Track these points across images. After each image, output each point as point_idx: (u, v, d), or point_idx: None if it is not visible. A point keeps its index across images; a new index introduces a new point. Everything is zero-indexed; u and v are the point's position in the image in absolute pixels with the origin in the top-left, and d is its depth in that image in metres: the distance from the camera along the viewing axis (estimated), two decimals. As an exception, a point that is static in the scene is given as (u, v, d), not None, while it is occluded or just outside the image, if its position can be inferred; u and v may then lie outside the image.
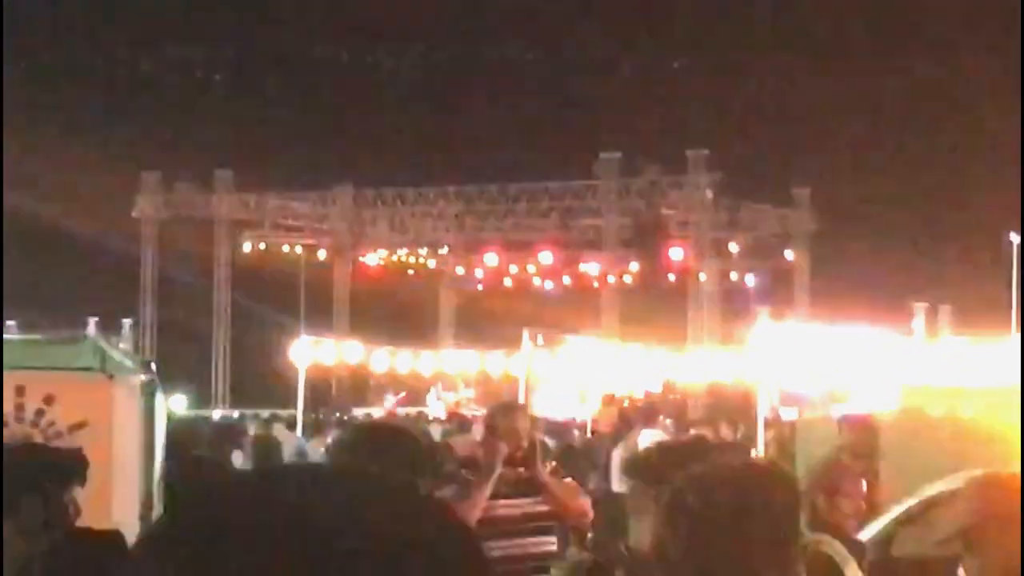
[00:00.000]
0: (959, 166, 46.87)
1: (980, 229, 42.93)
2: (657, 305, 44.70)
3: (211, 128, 48.99)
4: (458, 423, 25.32)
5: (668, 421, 24.82)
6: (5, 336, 8.62)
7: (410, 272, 52.06)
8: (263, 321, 43.65)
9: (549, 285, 50.10)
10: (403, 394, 42.12)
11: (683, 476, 3.96)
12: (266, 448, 15.60)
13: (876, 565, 8.39)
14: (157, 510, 8.18)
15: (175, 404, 44.14)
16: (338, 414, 36.44)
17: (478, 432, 21.62)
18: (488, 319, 45.35)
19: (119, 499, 7.89)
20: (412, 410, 39.82)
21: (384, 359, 37.40)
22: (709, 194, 43.25)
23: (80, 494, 5.75)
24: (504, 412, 9.04)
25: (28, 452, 6.37)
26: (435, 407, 37.93)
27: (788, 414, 26.83)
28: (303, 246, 48.58)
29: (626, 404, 35.62)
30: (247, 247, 47.76)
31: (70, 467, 5.88)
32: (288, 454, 20.74)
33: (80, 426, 7.92)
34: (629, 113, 49.39)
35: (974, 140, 46.22)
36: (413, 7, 51.94)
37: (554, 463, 9.34)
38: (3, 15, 41.75)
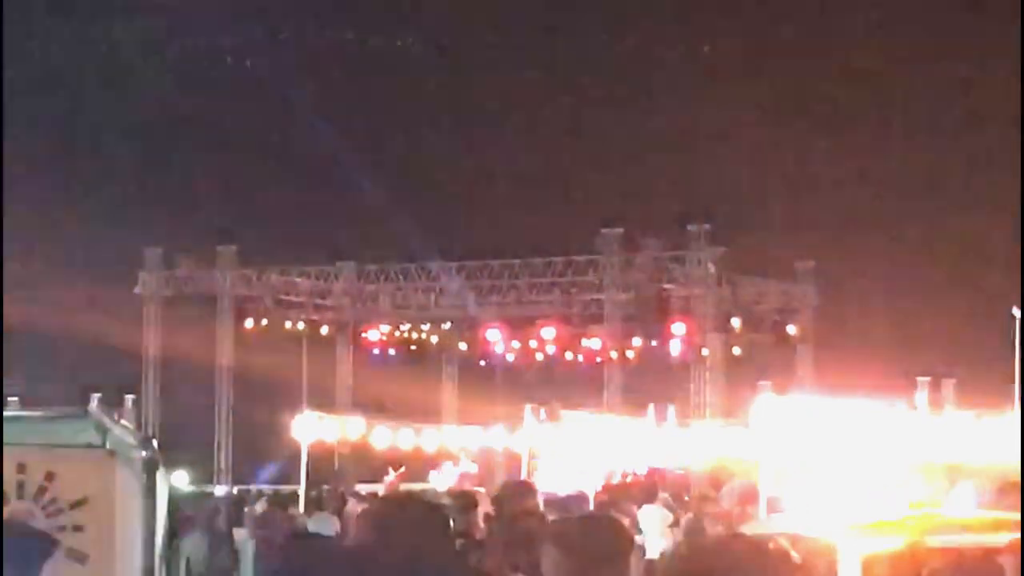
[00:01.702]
0: (963, 240, 46.94)
1: (984, 303, 42.92)
2: (660, 380, 44.68)
3: (213, 204, 49.14)
4: (462, 500, 25.13)
5: (667, 495, 24.73)
6: (6, 412, 8.61)
7: (412, 347, 52.01)
8: (265, 397, 43.58)
9: (552, 361, 50.02)
10: (403, 469, 42.05)
11: (677, 548, 3.98)
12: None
13: None
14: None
15: (177, 480, 44.05)
16: (342, 489, 36.38)
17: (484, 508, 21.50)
18: (490, 394, 45.30)
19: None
20: (414, 486, 39.71)
21: (386, 435, 37.30)
22: (711, 269, 43.33)
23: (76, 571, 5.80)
24: (513, 492, 8.90)
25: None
26: (439, 482, 37.74)
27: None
28: (305, 322, 48.55)
29: (628, 479, 35.59)
30: (249, 323, 47.74)
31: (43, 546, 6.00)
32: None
33: (81, 503, 7.90)
34: (631, 188, 49.53)
35: (978, 215, 46.32)
36: (415, 87, 52.21)
37: None
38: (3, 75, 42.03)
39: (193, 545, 15.50)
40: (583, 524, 6.15)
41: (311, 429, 24.82)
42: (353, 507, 23.93)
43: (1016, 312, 35.14)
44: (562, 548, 5.49)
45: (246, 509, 22.19)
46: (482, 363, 51.16)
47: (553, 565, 5.51)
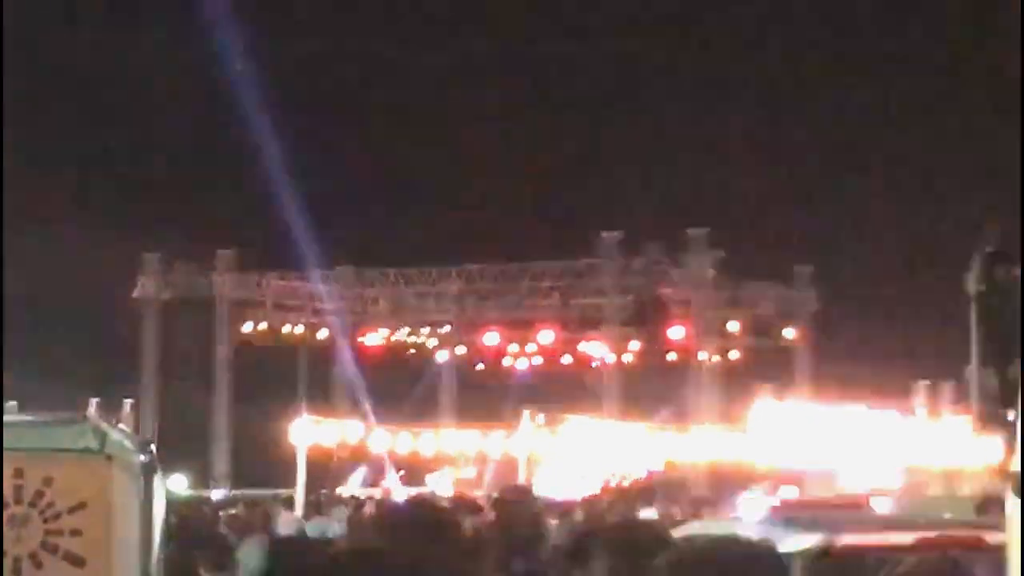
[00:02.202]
0: (962, 245, 46.89)
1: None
2: (658, 384, 44.65)
3: (212, 208, 49.10)
4: (466, 505, 25.06)
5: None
6: (5, 417, 8.64)
7: (411, 351, 52.00)
8: (264, 401, 43.56)
9: (550, 364, 50.00)
10: (402, 472, 42.17)
11: (672, 551, 4.04)
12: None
13: None
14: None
15: (175, 484, 44.05)
16: (339, 491, 36.41)
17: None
18: (489, 398, 45.23)
19: (118, 580, 7.89)
20: (412, 490, 39.74)
21: (384, 438, 37.30)
22: (710, 272, 43.26)
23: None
24: (513, 496, 8.90)
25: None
26: (440, 487, 37.73)
27: (789, 492, 26.76)
28: (304, 325, 48.52)
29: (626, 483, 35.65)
30: (248, 327, 47.68)
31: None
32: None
33: (79, 507, 7.92)
34: (630, 192, 49.54)
35: (978, 219, 46.28)
36: (415, 91, 52.24)
37: None
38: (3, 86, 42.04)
39: (251, 551, 15.52)
40: (632, 530, 6.34)
41: (308, 433, 24.74)
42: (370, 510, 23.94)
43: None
44: (616, 554, 5.64)
45: (221, 513, 22.26)
46: (480, 367, 51.14)
47: (605, 570, 5.66)
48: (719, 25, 51.38)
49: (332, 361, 49.45)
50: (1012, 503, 5.30)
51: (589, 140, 52.75)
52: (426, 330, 50.86)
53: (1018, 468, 5.20)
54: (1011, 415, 5.32)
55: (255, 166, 51.29)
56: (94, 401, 46.12)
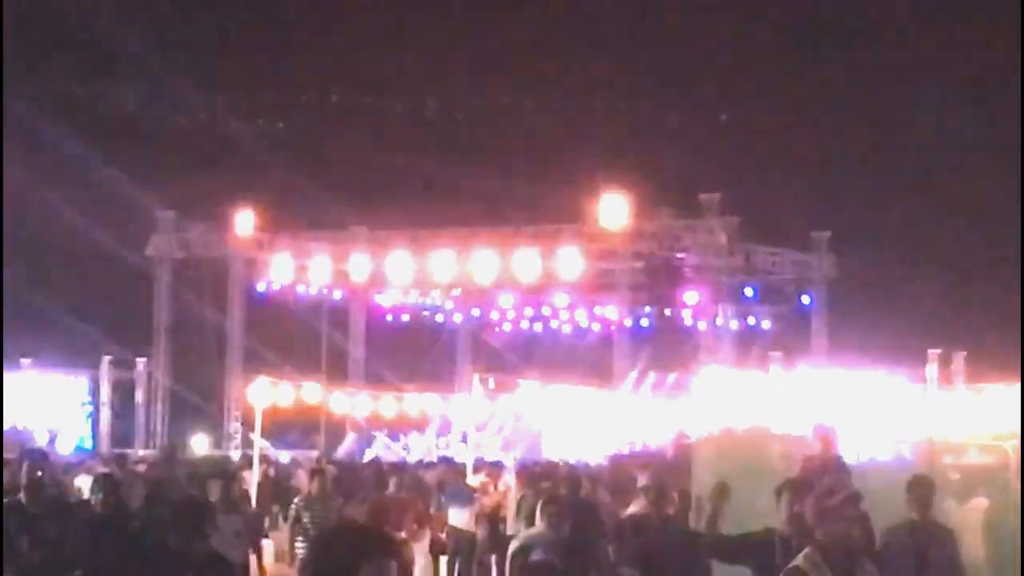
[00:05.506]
0: (980, 213, 46.75)
1: (998, 275, 42.80)
2: (671, 350, 44.54)
3: (226, 168, 48.98)
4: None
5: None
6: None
7: (425, 313, 51.96)
8: (277, 361, 43.51)
9: (565, 329, 50.02)
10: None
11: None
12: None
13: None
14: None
15: (198, 444, 44.21)
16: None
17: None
18: (500, 363, 45.06)
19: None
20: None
21: (343, 401, 36.96)
22: (723, 238, 42.83)
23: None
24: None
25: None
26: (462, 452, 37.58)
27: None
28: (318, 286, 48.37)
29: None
30: (262, 287, 47.49)
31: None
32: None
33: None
34: (642, 156, 49.28)
35: (996, 188, 46.14)
36: (426, 58, 52.14)
37: None
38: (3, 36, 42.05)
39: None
40: None
41: (266, 394, 24.44)
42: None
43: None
44: None
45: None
46: (497, 330, 51.17)
47: None
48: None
49: (346, 322, 49.41)
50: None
51: (601, 103, 52.55)
52: (438, 292, 50.71)
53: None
54: None
55: (271, 126, 51.36)
56: (106, 359, 46.32)
